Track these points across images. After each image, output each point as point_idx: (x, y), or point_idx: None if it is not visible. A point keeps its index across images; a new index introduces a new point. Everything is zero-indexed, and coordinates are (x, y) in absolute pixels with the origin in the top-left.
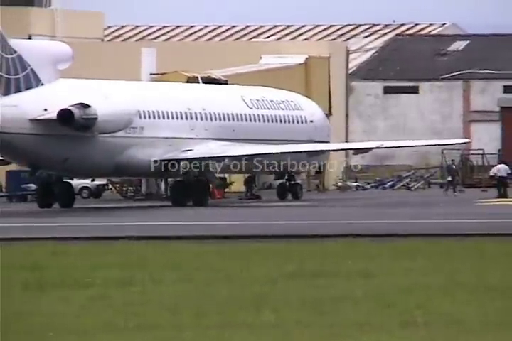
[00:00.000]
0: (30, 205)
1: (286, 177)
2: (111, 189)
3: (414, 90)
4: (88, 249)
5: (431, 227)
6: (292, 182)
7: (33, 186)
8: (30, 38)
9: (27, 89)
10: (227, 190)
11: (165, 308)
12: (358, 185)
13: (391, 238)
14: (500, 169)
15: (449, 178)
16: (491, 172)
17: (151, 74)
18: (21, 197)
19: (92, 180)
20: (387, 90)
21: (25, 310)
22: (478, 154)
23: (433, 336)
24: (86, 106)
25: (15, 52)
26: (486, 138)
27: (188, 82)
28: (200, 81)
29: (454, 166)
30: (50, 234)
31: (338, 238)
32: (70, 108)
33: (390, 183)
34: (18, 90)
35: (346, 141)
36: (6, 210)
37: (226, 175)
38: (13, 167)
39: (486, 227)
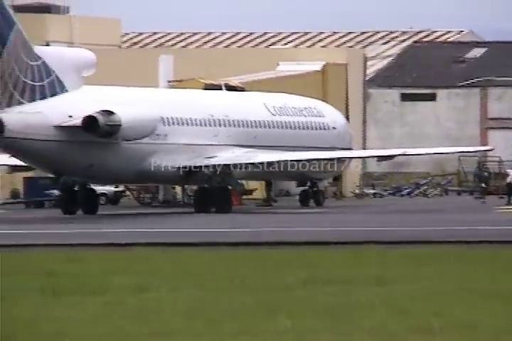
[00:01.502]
0: (48, 212)
1: (308, 184)
2: (128, 195)
3: (431, 97)
4: (104, 256)
5: (447, 234)
6: (315, 189)
7: (56, 192)
8: (47, 45)
9: (52, 95)
10: (247, 196)
11: (180, 315)
12: (375, 193)
13: (406, 245)
14: None
15: (483, 185)
16: (509, 180)
17: (168, 81)
18: (39, 204)
19: (116, 187)
20: (404, 97)
21: (41, 316)
22: (495, 161)
23: None
24: (110, 113)
25: (40, 58)
26: (503, 145)
27: (205, 89)
28: (224, 88)
29: (485, 173)
30: (66, 240)
31: (353, 245)
32: (94, 115)
33: (407, 190)
34: (42, 97)
35: (363, 148)
36: (23, 217)
37: (244, 182)
38: (32, 173)
39: (503, 234)
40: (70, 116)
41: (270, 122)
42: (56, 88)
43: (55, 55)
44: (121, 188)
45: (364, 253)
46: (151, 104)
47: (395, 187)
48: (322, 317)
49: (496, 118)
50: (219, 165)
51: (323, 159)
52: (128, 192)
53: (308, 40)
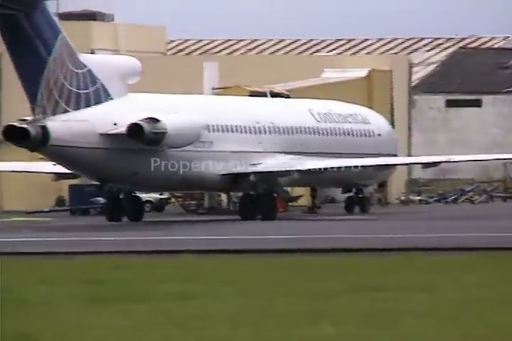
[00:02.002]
0: (93, 219)
1: (354, 191)
2: (173, 203)
3: (477, 103)
4: (149, 263)
5: (493, 241)
6: (360, 196)
7: (101, 200)
8: (92, 53)
9: (97, 103)
10: (293, 203)
11: (225, 322)
12: (420, 199)
13: (451, 251)
14: None
15: None
16: None
17: (213, 88)
18: (84, 211)
19: (161, 194)
20: (450, 103)
21: (87, 324)
22: None
23: None
24: (156, 120)
25: (85, 66)
26: None
27: (250, 96)
28: (269, 95)
29: None
30: (112, 247)
31: (398, 251)
32: (139, 122)
33: (452, 197)
34: (88, 105)
35: (408, 155)
36: (69, 224)
37: (289, 189)
38: (77, 181)
39: None
40: (115, 124)
41: (315, 129)
42: (101, 96)
43: (100, 62)
44: (166, 195)
45: (409, 259)
46: (196, 111)
47: (441, 193)
48: (366, 323)
49: None
50: (264, 172)
51: (369, 166)
52: (173, 199)
53: (353, 47)
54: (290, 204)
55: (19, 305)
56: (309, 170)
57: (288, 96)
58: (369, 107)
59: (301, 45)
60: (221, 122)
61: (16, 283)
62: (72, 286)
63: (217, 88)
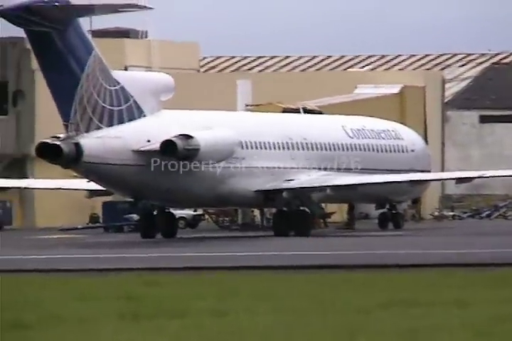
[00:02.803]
0: (127, 236)
1: (387, 207)
2: (207, 219)
3: (510, 119)
4: (183, 279)
5: None
6: (394, 212)
7: (135, 217)
8: (126, 69)
9: (130, 120)
10: (327, 219)
11: (259, 338)
12: (454, 215)
13: (486, 267)
14: None
15: None
16: None
17: (246, 105)
18: (118, 228)
19: (194, 210)
20: (483, 119)
21: (122, 340)
22: None
23: None
24: (189, 136)
25: (118, 83)
26: None
27: (283, 112)
28: (302, 111)
29: None
30: (146, 264)
31: (432, 267)
32: (172, 139)
33: (486, 213)
34: (121, 121)
35: (442, 170)
36: (102, 241)
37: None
38: (110, 198)
39: None
40: (149, 141)
41: (348, 145)
42: (134, 112)
43: (133, 79)
44: (199, 212)
45: (444, 275)
46: (229, 127)
47: (474, 209)
48: (401, 339)
49: None
50: (298, 188)
51: (402, 181)
52: (207, 216)
53: (385, 62)
54: (323, 220)
55: (56, 322)
56: (342, 186)
57: (320, 113)
58: (402, 123)
59: (333, 62)
60: (254, 138)
61: (52, 299)
62: (107, 303)
63: (250, 105)
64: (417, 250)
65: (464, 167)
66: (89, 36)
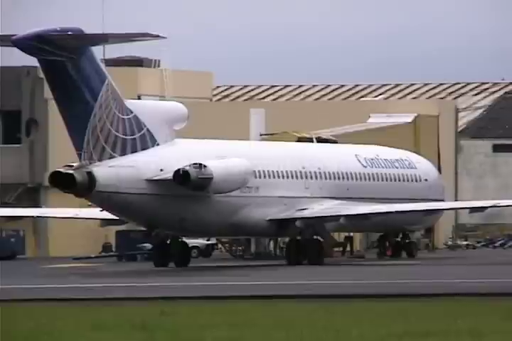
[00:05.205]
0: (140, 265)
1: (400, 236)
2: (220, 248)
3: None
4: (197, 309)
5: None
6: (407, 241)
7: (148, 246)
8: (139, 98)
9: (143, 149)
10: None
11: None
12: (468, 244)
13: (500, 297)
14: None
15: None
16: None
17: (261, 134)
18: (131, 257)
19: (207, 240)
20: (497, 148)
21: None
22: None
23: None
24: (202, 166)
25: (131, 112)
26: None
27: (298, 141)
28: (315, 140)
29: None
30: (160, 293)
31: (446, 297)
32: (186, 168)
33: (500, 242)
34: (134, 150)
35: (456, 200)
36: (116, 270)
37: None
38: (124, 227)
39: None
40: (162, 170)
41: (362, 174)
42: (147, 141)
43: (146, 108)
44: (213, 241)
45: (457, 305)
46: (243, 156)
47: (488, 238)
48: None
49: None
50: (311, 217)
51: (416, 211)
52: (220, 245)
53: (399, 91)
54: (343, 249)
55: None
56: (356, 215)
57: (335, 142)
58: (416, 152)
59: (346, 91)
60: (267, 168)
61: (67, 329)
62: (122, 332)
63: (265, 134)
64: (430, 279)
65: (478, 196)
66: (102, 65)
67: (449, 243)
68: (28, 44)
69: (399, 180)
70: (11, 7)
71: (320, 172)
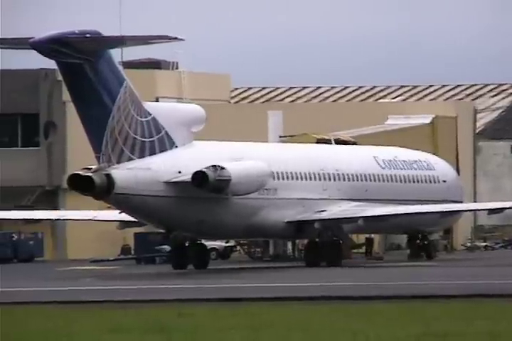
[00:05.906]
0: (159, 267)
1: (419, 237)
2: (239, 250)
3: None
4: (215, 311)
5: None
6: (425, 242)
7: (167, 248)
8: (157, 101)
9: (161, 151)
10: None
11: None
12: (486, 245)
13: None
14: None
15: None
16: None
17: (280, 136)
18: (150, 260)
19: (226, 242)
20: None
21: None
22: None
23: None
24: (220, 168)
25: (149, 115)
26: None
27: (317, 143)
28: (333, 142)
29: None
30: (178, 295)
31: (465, 298)
32: (204, 170)
33: None
34: (152, 153)
35: (474, 201)
36: (134, 272)
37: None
38: (142, 229)
39: None
40: (180, 172)
41: (380, 176)
42: (166, 144)
43: (164, 110)
44: (231, 243)
45: (476, 306)
46: (261, 158)
47: (507, 239)
48: None
49: None
50: (329, 219)
51: (434, 212)
52: (238, 247)
53: (417, 93)
54: (355, 251)
55: None
56: (374, 217)
57: (355, 143)
58: (434, 154)
59: (364, 92)
60: (286, 169)
61: (85, 331)
62: (140, 335)
63: (284, 136)
64: (448, 281)
65: (496, 198)
66: (120, 67)
67: (468, 244)
68: (47, 47)
69: (417, 182)
70: (25, 10)
71: (338, 174)
